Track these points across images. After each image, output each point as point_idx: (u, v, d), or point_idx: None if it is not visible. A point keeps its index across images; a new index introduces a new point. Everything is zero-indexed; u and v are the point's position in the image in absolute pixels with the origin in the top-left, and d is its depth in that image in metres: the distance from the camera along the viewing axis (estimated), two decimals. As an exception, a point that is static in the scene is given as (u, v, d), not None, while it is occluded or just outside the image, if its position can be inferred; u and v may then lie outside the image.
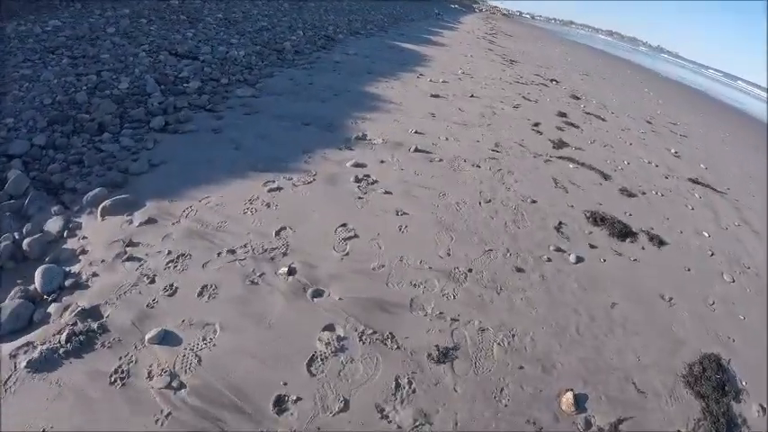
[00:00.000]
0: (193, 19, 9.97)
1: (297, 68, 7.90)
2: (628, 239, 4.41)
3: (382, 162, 4.88)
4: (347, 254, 3.33)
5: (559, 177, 5.37)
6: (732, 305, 3.78)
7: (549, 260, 3.75)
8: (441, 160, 5.18)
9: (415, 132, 5.84)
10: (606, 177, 5.71)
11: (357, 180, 4.44)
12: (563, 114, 8.24)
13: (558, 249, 3.94)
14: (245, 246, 3.21)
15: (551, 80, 11.86)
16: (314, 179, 4.31)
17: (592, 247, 4.12)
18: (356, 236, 3.57)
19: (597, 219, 4.66)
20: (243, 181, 4.04)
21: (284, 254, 3.20)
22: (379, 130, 5.68)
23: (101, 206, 3.35)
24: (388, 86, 7.76)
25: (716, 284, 4.03)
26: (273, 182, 4.12)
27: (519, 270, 3.52)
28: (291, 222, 3.57)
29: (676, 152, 7.76)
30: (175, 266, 2.92)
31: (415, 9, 34.15)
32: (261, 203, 3.75)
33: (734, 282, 4.14)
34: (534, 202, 4.73)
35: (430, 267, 3.34)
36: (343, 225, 3.68)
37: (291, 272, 3.06)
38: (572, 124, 7.73)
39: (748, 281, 4.22)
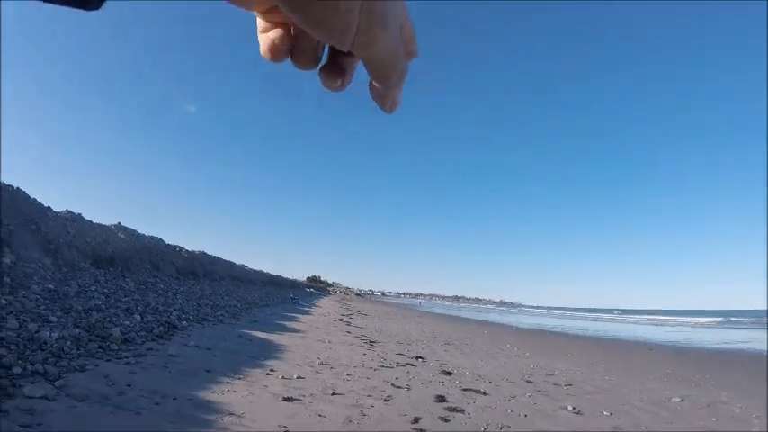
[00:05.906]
0: (17, 285, 8.12)
1: (119, 362, 5.84)
2: None
3: None
4: None
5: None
6: None
7: None
8: None
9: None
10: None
11: None
12: (442, 398, 7.14)
13: None
14: None
15: (417, 357, 11.05)
16: None
17: None
18: None
19: None
20: None
21: None
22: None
23: None
24: (229, 389, 5.82)
25: None
26: None
27: None
28: None
29: (574, 407, 7.41)
30: None
31: (271, 294, 34.36)
32: None
33: None
34: None
35: None
36: None
37: None
38: (455, 409, 6.71)
39: None
